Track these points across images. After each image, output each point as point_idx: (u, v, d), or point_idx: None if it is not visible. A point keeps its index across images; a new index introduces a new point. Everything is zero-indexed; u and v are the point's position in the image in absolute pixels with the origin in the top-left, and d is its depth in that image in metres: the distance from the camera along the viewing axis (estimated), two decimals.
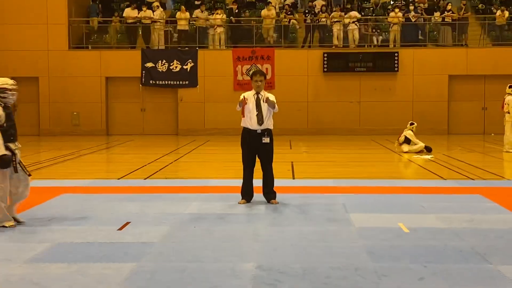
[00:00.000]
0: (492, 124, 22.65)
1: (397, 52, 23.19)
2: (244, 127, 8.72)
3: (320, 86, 23.48)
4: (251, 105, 8.60)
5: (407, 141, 16.53)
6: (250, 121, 8.60)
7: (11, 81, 7.07)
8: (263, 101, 8.54)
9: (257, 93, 8.69)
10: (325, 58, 23.24)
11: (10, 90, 6.97)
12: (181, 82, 23.54)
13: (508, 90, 16.36)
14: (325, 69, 23.30)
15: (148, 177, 11.79)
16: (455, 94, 23.50)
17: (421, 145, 16.41)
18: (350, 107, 23.49)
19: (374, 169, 13.32)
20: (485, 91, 23.37)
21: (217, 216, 7.85)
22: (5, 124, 6.88)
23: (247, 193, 8.80)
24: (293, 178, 11.74)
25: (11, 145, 6.97)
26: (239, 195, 8.89)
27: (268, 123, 8.65)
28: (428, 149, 16.33)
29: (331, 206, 8.56)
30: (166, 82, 23.55)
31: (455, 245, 6.32)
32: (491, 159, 14.96)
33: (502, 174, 12.36)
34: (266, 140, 8.60)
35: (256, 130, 8.60)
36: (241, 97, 8.67)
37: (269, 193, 8.79)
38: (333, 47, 23.81)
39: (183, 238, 6.68)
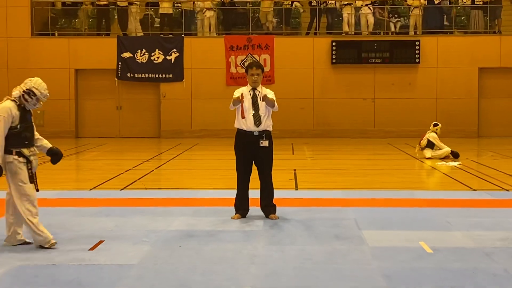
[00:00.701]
0: None
1: (419, 41, 23.26)
2: (238, 129, 8.73)
3: (328, 80, 23.51)
4: (246, 103, 8.61)
5: (430, 145, 16.56)
6: (245, 122, 8.61)
7: (46, 92, 7.11)
8: (261, 99, 8.56)
9: (254, 89, 8.70)
10: (334, 48, 23.29)
11: (37, 97, 7.04)
12: (164, 76, 23.56)
13: None
14: (334, 61, 23.34)
15: (125, 188, 11.77)
16: (487, 90, 23.56)
17: (446, 150, 16.44)
18: (363, 105, 23.53)
19: (391, 178, 13.32)
20: None
21: (207, 234, 7.84)
22: (19, 126, 6.95)
23: (241, 207, 8.81)
24: (296, 189, 11.74)
25: (25, 151, 7.03)
26: (232, 209, 8.89)
27: (267, 124, 8.66)
28: (454, 155, 16.37)
29: (340, 221, 8.56)
30: (147, 76, 23.56)
31: (486, 268, 6.34)
32: None
33: None
34: (264, 143, 8.61)
35: (253, 132, 8.61)
36: (235, 93, 8.68)
37: (268, 207, 8.80)
38: (343, 34, 23.86)
39: (166, 260, 6.67)
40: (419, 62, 23.27)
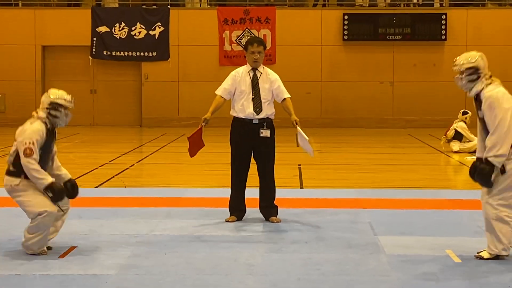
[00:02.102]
0: None
1: (445, 14, 23.25)
2: (234, 117, 8.74)
3: (339, 60, 23.51)
4: (244, 86, 8.62)
5: (458, 136, 16.57)
6: (243, 108, 8.63)
7: (68, 97, 7.26)
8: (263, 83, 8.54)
9: (254, 69, 8.71)
10: (346, 22, 23.27)
11: (65, 108, 7.19)
12: (146, 54, 23.54)
13: None
14: (346, 37, 23.33)
15: (100, 185, 11.79)
16: None
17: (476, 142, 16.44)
18: (379, 89, 23.54)
19: (412, 176, 13.34)
20: None
21: (197, 239, 7.85)
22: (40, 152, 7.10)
23: (237, 208, 8.83)
24: (301, 187, 11.76)
25: None
26: (226, 210, 8.89)
27: (268, 111, 8.68)
28: None
29: (353, 225, 8.58)
30: (126, 54, 23.54)
31: None
32: None
33: None
34: (265, 133, 8.63)
35: (252, 120, 8.63)
36: (230, 77, 8.70)
37: (269, 208, 8.81)
38: (357, 6, 23.83)
39: (149, 269, 6.67)
40: (445, 40, 23.26)
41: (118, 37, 23.47)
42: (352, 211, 9.48)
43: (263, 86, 8.65)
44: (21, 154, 7.01)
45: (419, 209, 9.70)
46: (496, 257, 6.96)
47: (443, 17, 23.22)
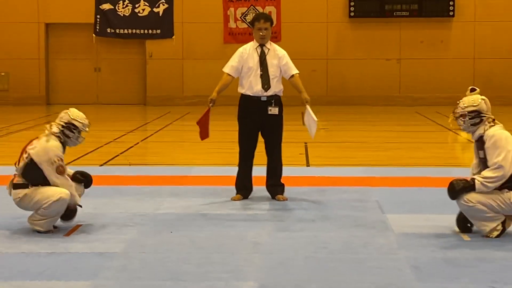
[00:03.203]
0: None
1: None
2: (242, 94, 8.74)
3: (345, 37, 23.43)
4: (252, 63, 8.61)
5: None
6: (251, 85, 8.62)
7: (86, 121, 7.39)
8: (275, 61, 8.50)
9: (261, 45, 8.70)
10: None
11: (79, 129, 7.30)
12: (150, 31, 23.48)
13: None
14: (352, 14, 23.24)
15: (105, 163, 11.81)
16: None
17: None
18: (386, 67, 23.47)
19: (419, 153, 13.33)
20: None
21: (202, 217, 7.85)
22: None
23: (244, 186, 8.82)
24: (308, 166, 11.76)
25: None
26: (232, 189, 8.90)
27: (276, 88, 8.67)
28: None
29: (361, 203, 8.58)
30: (130, 31, 23.48)
31: None
32: None
33: None
34: (273, 110, 8.62)
35: (260, 98, 8.62)
36: (237, 54, 8.66)
37: (275, 186, 8.81)
38: None
39: (155, 248, 6.68)
40: (453, 16, 23.15)
41: (122, 15, 23.40)
42: (359, 189, 9.48)
43: (271, 62, 8.66)
44: (54, 174, 7.07)
45: (427, 187, 9.69)
46: (503, 231, 6.95)
47: None
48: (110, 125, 17.74)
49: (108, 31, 23.47)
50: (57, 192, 7.08)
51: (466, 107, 7.16)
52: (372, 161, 12.32)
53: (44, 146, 7.15)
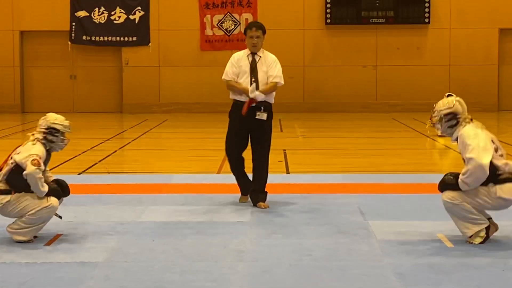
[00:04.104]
0: None
1: None
2: (235, 100, 8.83)
3: (321, 44, 23.47)
4: (243, 70, 8.72)
5: None
6: (241, 91, 8.69)
7: (66, 122, 7.44)
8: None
9: (253, 53, 8.78)
10: (328, 5, 23.22)
11: (62, 133, 7.34)
12: (126, 39, 23.40)
13: None
14: (328, 21, 23.29)
15: (83, 172, 11.74)
16: (509, 56, 23.64)
17: None
18: (362, 73, 23.53)
19: (398, 160, 13.38)
20: None
21: (184, 226, 7.83)
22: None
23: (246, 187, 8.95)
24: (287, 173, 11.75)
25: None
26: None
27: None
28: None
29: (342, 210, 8.59)
30: (106, 39, 23.39)
31: None
32: None
33: None
34: (261, 115, 8.67)
35: None
36: (232, 57, 8.72)
37: (257, 192, 8.82)
38: None
39: (137, 257, 6.65)
40: (429, 22, 23.26)
41: (97, 22, 23.30)
42: (341, 196, 9.48)
43: (261, 69, 8.74)
44: (28, 164, 6.95)
45: (408, 194, 9.72)
46: (487, 238, 6.96)
47: (427, 0, 23.19)
48: (87, 133, 17.63)
49: (84, 38, 23.37)
50: (46, 199, 7.03)
51: (441, 110, 7.17)
52: (351, 167, 12.33)
53: (28, 147, 7.13)
